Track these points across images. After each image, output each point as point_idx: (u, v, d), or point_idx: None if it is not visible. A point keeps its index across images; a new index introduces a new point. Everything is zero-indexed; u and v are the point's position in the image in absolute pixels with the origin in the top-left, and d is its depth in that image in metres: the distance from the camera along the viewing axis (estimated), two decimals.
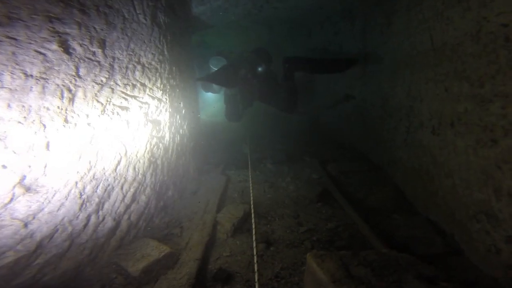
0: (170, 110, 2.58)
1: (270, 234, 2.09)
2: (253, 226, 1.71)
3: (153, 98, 2.25)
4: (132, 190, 1.98)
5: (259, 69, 3.95)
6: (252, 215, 1.91)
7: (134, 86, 2.00)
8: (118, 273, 1.62)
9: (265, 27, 5.05)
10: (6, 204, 1.25)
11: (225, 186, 2.95)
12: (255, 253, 1.43)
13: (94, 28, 1.61)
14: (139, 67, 2.05)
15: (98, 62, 1.66)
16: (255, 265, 1.33)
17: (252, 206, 2.03)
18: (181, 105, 2.93)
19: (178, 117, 2.81)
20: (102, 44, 1.67)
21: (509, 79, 1.48)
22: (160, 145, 2.38)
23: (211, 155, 3.97)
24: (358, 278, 1.15)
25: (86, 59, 1.57)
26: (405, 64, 2.58)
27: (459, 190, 1.87)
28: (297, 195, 2.76)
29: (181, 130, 2.90)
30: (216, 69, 4.14)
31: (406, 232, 2.06)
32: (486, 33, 1.62)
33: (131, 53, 1.95)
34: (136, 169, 2.03)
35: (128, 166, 1.95)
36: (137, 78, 2.03)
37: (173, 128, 2.66)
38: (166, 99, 2.49)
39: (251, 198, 2.20)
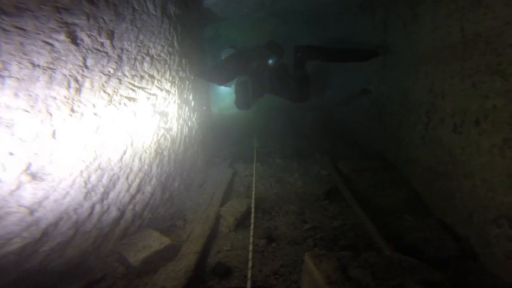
0: (179, 102, 2.59)
1: (273, 230, 2.06)
2: (252, 221, 1.69)
3: (161, 89, 2.26)
4: (137, 180, 2.02)
5: (271, 61, 3.89)
6: (252, 210, 1.89)
7: (142, 77, 2.01)
8: (120, 263, 1.65)
9: (280, 19, 4.94)
10: (13, 191, 1.28)
11: (231, 180, 2.95)
12: (250, 249, 1.41)
13: (103, 19, 1.61)
14: (147, 58, 2.05)
15: (106, 53, 1.67)
16: (249, 262, 1.31)
17: (253, 200, 2.00)
18: (191, 97, 2.94)
19: (186, 109, 2.82)
20: (111, 35, 1.68)
21: None
22: (167, 136, 2.40)
23: (220, 148, 3.98)
24: (356, 280, 1.09)
25: (94, 50, 1.58)
26: (429, 58, 2.43)
27: (480, 192, 1.77)
28: (304, 191, 2.70)
29: (189, 122, 2.91)
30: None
31: (417, 234, 1.98)
32: None
33: (140, 44, 1.96)
34: (142, 160, 2.06)
35: (134, 157, 1.98)
36: (146, 69, 2.04)
37: (181, 120, 2.68)
38: (175, 91, 2.50)
39: (253, 192, 2.17)
